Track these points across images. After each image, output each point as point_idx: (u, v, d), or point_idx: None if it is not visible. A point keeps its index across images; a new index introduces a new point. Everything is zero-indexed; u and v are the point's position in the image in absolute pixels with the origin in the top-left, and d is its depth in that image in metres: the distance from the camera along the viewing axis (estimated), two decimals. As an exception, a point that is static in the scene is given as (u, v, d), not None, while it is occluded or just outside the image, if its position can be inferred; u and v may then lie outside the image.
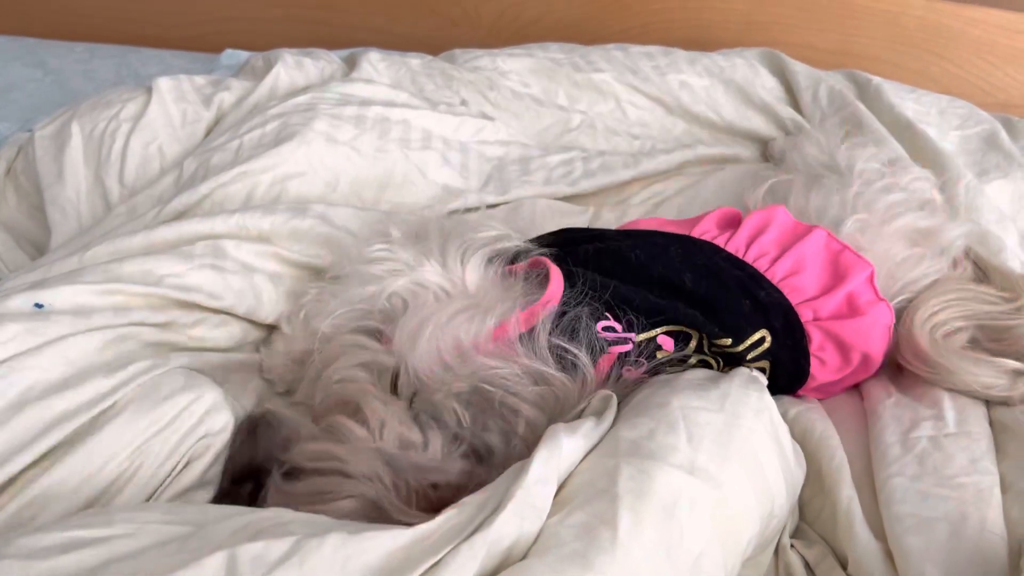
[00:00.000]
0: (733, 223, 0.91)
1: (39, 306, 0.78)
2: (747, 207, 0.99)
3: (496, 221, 0.95)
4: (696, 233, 0.89)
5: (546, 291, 0.77)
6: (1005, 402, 0.82)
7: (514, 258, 0.83)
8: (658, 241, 0.87)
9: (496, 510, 0.55)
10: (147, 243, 0.90)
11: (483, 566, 0.53)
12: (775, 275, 0.84)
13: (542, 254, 0.82)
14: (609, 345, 0.76)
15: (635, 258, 0.83)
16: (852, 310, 0.83)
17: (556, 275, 0.79)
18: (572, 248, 0.85)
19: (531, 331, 0.74)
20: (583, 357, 0.73)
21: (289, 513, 0.57)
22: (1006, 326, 0.89)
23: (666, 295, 0.80)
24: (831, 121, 1.24)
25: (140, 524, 0.54)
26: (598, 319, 0.77)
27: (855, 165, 1.01)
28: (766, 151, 1.30)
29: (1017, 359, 0.84)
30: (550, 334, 0.74)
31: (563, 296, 0.77)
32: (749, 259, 0.85)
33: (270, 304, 0.91)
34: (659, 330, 0.79)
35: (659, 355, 0.78)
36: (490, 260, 0.81)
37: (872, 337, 0.83)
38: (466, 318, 0.75)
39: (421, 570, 0.51)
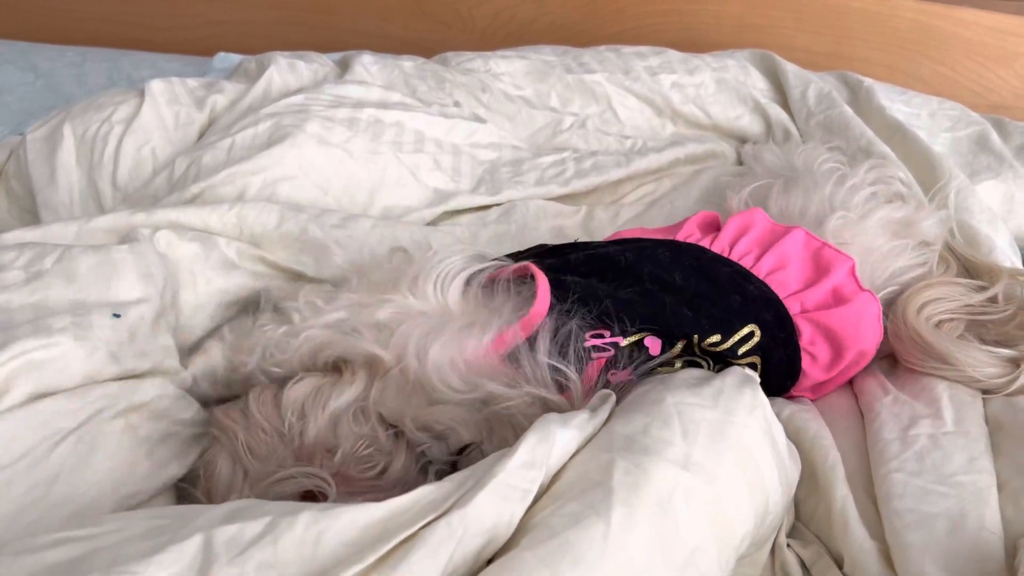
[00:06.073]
0: (714, 226, 0.92)
1: None
2: (730, 209, 1.00)
3: (459, 243, 0.95)
4: (680, 238, 0.90)
5: (535, 301, 0.76)
6: (1004, 391, 0.82)
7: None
8: (646, 245, 0.87)
9: (475, 488, 0.55)
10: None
11: (464, 546, 0.53)
12: (760, 271, 0.85)
13: (527, 259, 0.82)
14: (595, 352, 0.75)
15: (624, 261, 0.83)
16: (838, 299, 0.84)
17: (543, 284, 0.77)
18: (560, 255, 0.85)
19: (531, 344, 0.73)
20: (573, 376, 0.72)
21: (269, 504, 0.57)
22: (990, 319, 0.90)
23: (654, 295, 0.80)
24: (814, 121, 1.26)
25: (126, 522, 0.55)
26: (586, 329, 0.76)
27: (812, 164, 1.04)
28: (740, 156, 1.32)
29: (1006, 347, 0.85)
30: (547, 351, 0.73)
31: (551, 305, 0.76)
32: (734, 258, 0.86)
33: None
34: (645, 334, 0.78)
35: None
36: (468, 282, 0.78)
37: (862, 328, 0.83)
38: (465, 334, 0.73)
39: (394, 542, 0.51)
